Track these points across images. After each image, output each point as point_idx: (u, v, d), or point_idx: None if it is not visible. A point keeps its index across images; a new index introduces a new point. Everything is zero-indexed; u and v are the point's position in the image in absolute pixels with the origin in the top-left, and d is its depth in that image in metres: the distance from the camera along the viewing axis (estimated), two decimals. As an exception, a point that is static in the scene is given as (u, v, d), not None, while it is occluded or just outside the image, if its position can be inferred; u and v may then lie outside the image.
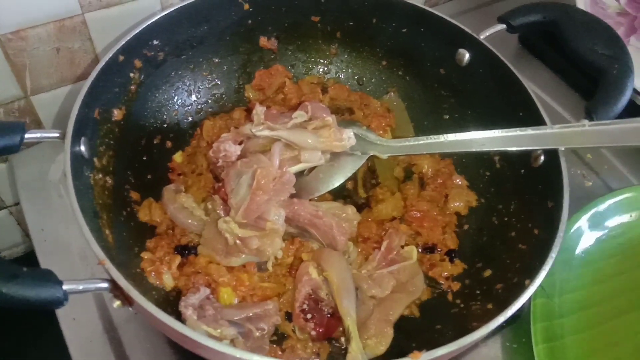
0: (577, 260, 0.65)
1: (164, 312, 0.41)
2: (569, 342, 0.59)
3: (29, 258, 0.95)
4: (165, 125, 0.68)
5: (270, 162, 0.57)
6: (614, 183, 0.82)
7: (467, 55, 0.68)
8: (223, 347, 0.39)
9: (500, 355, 0.64)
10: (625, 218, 0.70)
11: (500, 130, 0.58)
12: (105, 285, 0.43)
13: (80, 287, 0.41)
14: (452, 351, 0.42)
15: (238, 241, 0.56)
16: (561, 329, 0.60)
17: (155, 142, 0.67)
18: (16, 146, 0.48)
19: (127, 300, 0.44)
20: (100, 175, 0.56)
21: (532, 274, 0.49)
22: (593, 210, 0.69)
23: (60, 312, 0.64)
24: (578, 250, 0.66)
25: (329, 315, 0.54)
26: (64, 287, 0.40)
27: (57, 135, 0.51)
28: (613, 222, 0.70)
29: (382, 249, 0.60)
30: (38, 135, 0.50)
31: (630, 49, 0.91)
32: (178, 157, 0.67)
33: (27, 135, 0.49)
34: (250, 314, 0.52)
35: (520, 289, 0.47)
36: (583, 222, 0.67)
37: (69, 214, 0.71)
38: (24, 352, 0.89)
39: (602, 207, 0.70)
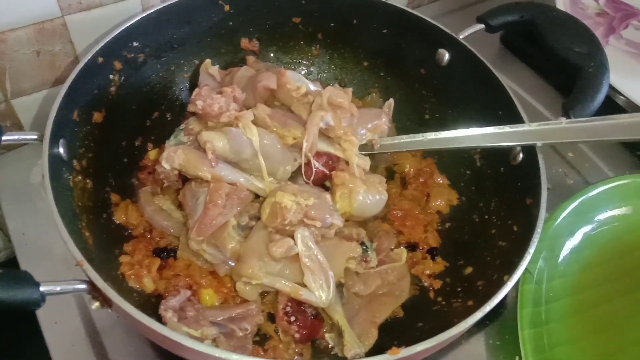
0: (564, 249, 0.67)
1: (142, 313, 0.40)
2: (554, 328, 0.60)
3: (13, 264, 0.95)
4: (146, 126, 0.68)
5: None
6: (595, 180, 0.83)
7: (447, 55, 0.69)
8: (203, 347, 0.39)
9: (484, 352, 0.64)
10: (611, 209, 0.72)
11: (479, 128, 0.59)
12: (83, 286, 0.43)
13: (58, 289, 0.41)
14: (430, 347, 0.42)
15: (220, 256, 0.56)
16: (547, 315, 0.61)
17: (136, 144, 0.67)
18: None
19: (106, 301, 0.44)
20: (80, 177, 0.56)
21: (510, 270, 0.49)
22: (579, 201, 0.70)
23: (41, 316, 0.63)
24: (565, 240, 0.67)
25: (312, 317, 0.54)
26: (41, 288, 0.40)
27: (35, 137, 0.51)
28: (599, 213, 0.71)
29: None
30: (15, 137, 0.50)
31: (609, 49, 0.93)
32: (152, 153, 0.67)
33: (4, 137, 0.49)
34: (233, 315, 0.52)
35: (500, 285, 0.48)
36: (569, 212, 0.68)
37: (51, 217, 0.71)
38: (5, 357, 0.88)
39: (588, 197, 0.71)
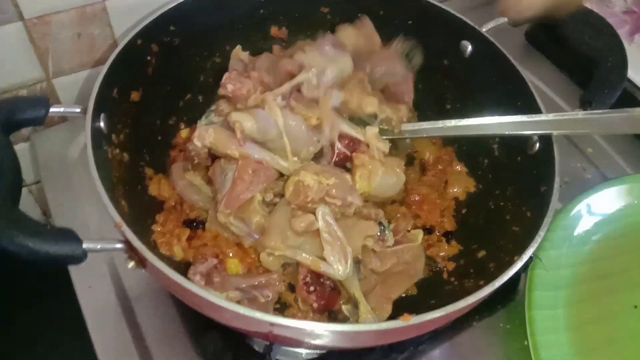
0: (576, 240, 0.69)
1: (175, 271, 0.44)
2: (561, 313, 0.62)
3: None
4: (179, 107, 0.71)
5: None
6: (613, 176, 0.84)
7: (469, 47, 0.71)
8: (233, 306, 0.43)
9: (495, 335, 0.67)
10: (625, 205, 0.73)
11: (497, 117, 0.61)
12: (121, 246, 0.46)
13: (98, 246, 0.45)
14: (439, 317, 0.45)
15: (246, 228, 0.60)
16: (555, 300, 0.63)
17: (170, 123, 0.71)
18: (41, 119, 0.52)
19: (140, 261, 0.47)
20: (118, 151, 0.60)
21: (521, 252, 0.51)
22: (595, 195, 0.72)
23: (76, 280, 0.68)
24: (577, 231, 0.70)
25: (330, 289, 0.57)
26: (84, 245, 0.44)
27: (78, 110, 0.55)
28: (613, 208, 0.73)
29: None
30: (61, 109, 0.54)
31: (633, 47, 0.94)
32: (184, 132, 0.70)
33: (51, 110, 0.53)
34: (256, 282, 0.56)
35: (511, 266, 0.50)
36: (583, 205, 0.71)
37: (87, 191, 0.75)
38: (41, 319, 0.94)
39: (603, 192, 0.73)
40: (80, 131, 0.82)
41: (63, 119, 0.85)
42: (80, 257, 0.43)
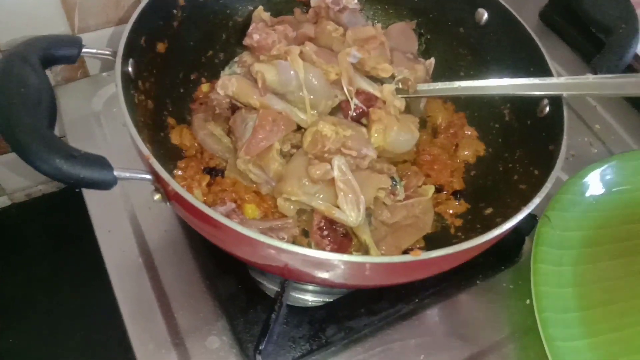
0: (586, 205, 0.71)
1: (200, 202, 0.46)
2: (565, 271, 0.64)
3: (67, 192, 1.04)
4: (201, 62, 0.74)
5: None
6: (617, 150, 0.87)
7: (485, 15, 0.73)
8: (254, 234, 0.45)
9: (498, 293, 0.70)
10: (634, 178, 0.75)
11: (510, 79, 0.63)
12: (148, 176, 0.49)
13: (127, 175, 0.47)
14: (445, 255, 0.47)
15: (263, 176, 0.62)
16: (560, 259, 0.65)
17: (191, 77, 0.73)
18: (74, 57, 0.54)
19: (167, 194, 0.50)
20: (143, 97, 0.62)
21: (528, 203, 0.53)
22: (605, 166, 0.74)
23: (97, 225, 0.71)
24: (587, 196, 0.71)
25: (342, 235, 0.60)
26: (115, 172, 0.46)
27: (108, 52, 0.57)
28: (622, 179, 0.75)
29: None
30: (93, 50, 0.56)
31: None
32: (205, 86, 0.72)
33: (83, 50, 0.55)
34: (272, 225, 0.58)
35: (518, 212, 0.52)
36: (596, 174, 0.73)
37: (109, 143, 0.78)
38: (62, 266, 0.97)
39: (614, 164, 0.75)
40: (102, 86, 0.85)
41: (84, 74, 0.88)
42: (110, 183, 0.46)
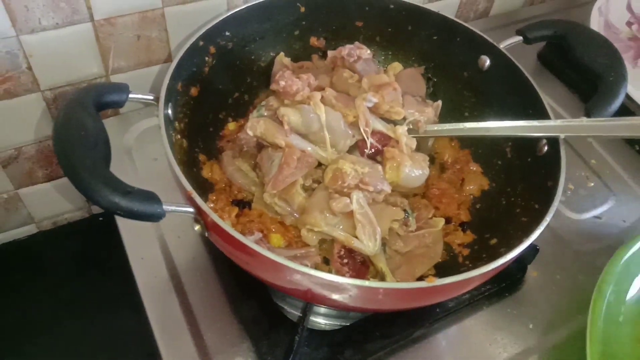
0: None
1: (237, 232, 0.52)
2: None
3: (92, 220, 1.09)
4: (228, 104, 0.81)
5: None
6: (614, 185, 0.93)
7: (488, 61, 0.80)
8: (288, 262, 0.50)
9: (501, 318, 0.75)
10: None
11: (511, 121, 0.70)
12: (191, 209, 0.55)
13: (173, 208, 0.53)
14: (456, 281, 0.52)
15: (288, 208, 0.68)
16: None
17: (220, 117, 0.79)
18: (122, 102, 0.61)
19: (206, 224, 0.56)
20: (179, 137, 0.69)
21: (530, 235, 0.59)
22: None
23: (130, 252, 0.76)
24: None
25: (360, 263, 0.65)
26: (164, 206, 0.52)
27: (151, 97, 0.64)
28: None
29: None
30: (139, 96, 0.63)
31: (637, 70, 1.03)
32: (232, 125, 0.79)
33: (130, 95, 0.62)
34: (297, 254, 0.64)
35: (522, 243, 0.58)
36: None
37: (140, 177, 0.84)
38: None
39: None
40: (132, 123, 0.91)
41: (115, 112, 0.95)
42: (160, 215, 0.52)
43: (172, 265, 0.75)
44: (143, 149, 0.88)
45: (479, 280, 0.57)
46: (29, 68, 0.81)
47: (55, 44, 0.80)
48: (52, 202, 1.04)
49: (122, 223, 0.80)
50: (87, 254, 1.12)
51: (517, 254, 0.57)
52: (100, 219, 1.14)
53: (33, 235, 1.08)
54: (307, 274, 0.51)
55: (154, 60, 0.92)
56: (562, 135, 0.66)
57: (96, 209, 1.10)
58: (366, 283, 0.51)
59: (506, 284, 0.76)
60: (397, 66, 0.85)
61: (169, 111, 0.65)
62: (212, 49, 0.75)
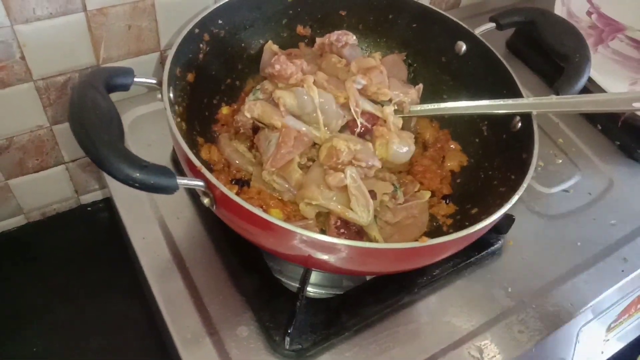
0: None
1: (244, 201, 0.56)
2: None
3: (80, 210, 1.11)
4: (221, 89, 0.84)
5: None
6: (579, 162, 1.00)
7: (464, 47, 0.85)
8: (295, 228, 0.55)
9: (480, 281, 0.81)
10: None
11: (488, 100, 0.76)
12: (202, 183, 0.59)
13: (185, 182, 0.57)
14: (445, 241, 0.58)
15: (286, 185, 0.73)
16: None
17: (214, 102, 0.83)
18: (128, 85, 0.64)
19: (214, 197, 0.60)
20: (179, 120, 0.72)
21: (508, 201, 0.65)
22: None
23: (131, 233, 0.79)
24: None
25: (355, 232, 0.70)
26: (177, 179, 0.56)
27: (154, 81, 0.67)
28: None
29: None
30: (143, 80, 0.66)
31: (597, 56, 1.11)
32: (225, 109, 0.83)
33: (135, 79, 0.65)
34: (296, 226, 0.68)
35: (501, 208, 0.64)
36: None
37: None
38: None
39: None
40: (125, 110, 0.94)
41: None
42: (174, 188, 0.55)
43: (173, 244, 0.79)
44: (137, 136, 0.91)
45: (464, 241, 0.63)
46: (22, 57, 0.83)
47: (48, 33, 0.82)
48: (42, 193, 1.05)
49: (122, 206, 0.82)
50: (77, 244, 1.13)
51: (498, 217, 0.63)
52: (89, 209, 1.15)
53: (22, 226, 1.09)
54: (309, 237, 0.56)
55: (143, 50, 0.94)
56: (534, 112, 0.72)
57: (85, 199, 1.12)
58: (364, 244, 0.56)
59: (486, 252, 0.82)
60: (377, 56, 0.90)
61: (171, 94, 0.68)
62: (207, 37, 0.79)
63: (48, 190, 1.05)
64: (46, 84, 0.88)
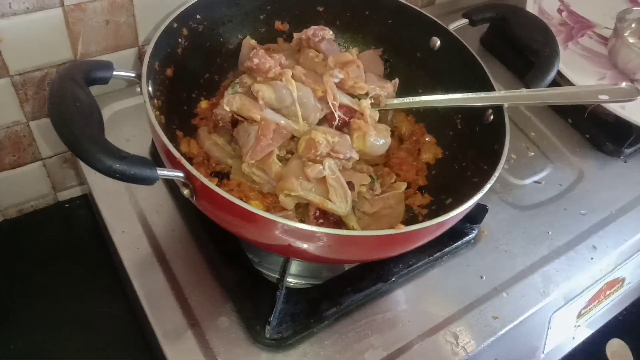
0: None
1: (224, 191, 0.57)
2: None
3: (58, 207, 1.10)
4: (200, 83, 0.85)
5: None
6: (551, 154, 1.04)
7: (438, 42, 0.88)
8: (276, 217, 0.56)
9: (458, 271, 0.83)
10: None
11: (462, 94, 0.78)
12: (181, 174, 0.60)
13: (165, 172, 0.58)
14: (420, 228, 0.60)
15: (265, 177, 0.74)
16: None
17: (192, 96, 0.84)
18: (107, 78, 0.64)
19: (195, 188, 0.60)
20: (158, 113, 0.73)
21: (480, 189, 0.67)
22: None
23: (111, 227, 0.80)
24: None
25: (333, 222, 0.72)
26: (157, 170, 0.57)
27: (134, 75, 0.68)
28: None
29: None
30: (122, 73, 0.66)
31: (567, 52, 1.14)
32: (204, 103, 0.84)
33: (114, 73, 0.66)
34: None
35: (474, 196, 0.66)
36: None
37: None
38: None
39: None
40: (105, 105, 0.94)
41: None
42: (154, 179, 0.56)
43: (153, 237, 0.79)
44: (115, 131, 0.91)
45: (439, 228, 0.65)
46: (-2, 52, 0.82)
47: (25, 28, 0.82)
48: (18, 190, 1.04)
49: (101, 201, 0.83)
50: (55, 241, 1.12)
51: (470, 205, 0.65)
52: (67, 205, 1.15)
53: (-1, 224, 1.08)
54: (290, 226, 0.57)
55: (121, 45, 0.94)
56: (505, 104, 0.74)
57: (62, 196, 1.11)
58: (343, 232, 0.58)
59: (461, 241, 0.85)
60: (354, 52, 0.91)
61: (150, 88, 0.69)
62: (185, 31, 0.80)
63: (25, 186, 1.04)
64: (23, 80, 0.88)
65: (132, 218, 0.81)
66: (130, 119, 0.93)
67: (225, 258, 0.77)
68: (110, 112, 0.93)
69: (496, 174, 0.68)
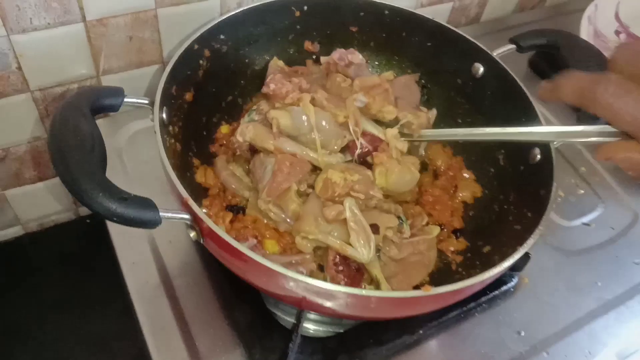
0: None
1: (233, 239, 0.52)
2: None
3: (79, 222, 1.08)
4: (222, 107, 0.80)
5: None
6: (602, 193, 0.94)
7: (481, 69, 0.80)
8: (284, 270, 0.50)
9: (493, 324, 0.75)
10: None
11: (504, 127, 0.70)
12: (187, 216, 0.55)
13: (169, 215, 0.53)
14: (452, 290, 0.53)
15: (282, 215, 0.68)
16: None
17: (213, 121, 0.79)
18: (117, 106, 0.60)
19: (202, 231, 0.55)
20: (173, 140, 0.68)
21: (523, 243, 0.60)
22: None
23: (121, 257, 0.75)
24: None
25: (355, 270, 0.65)
26: (160, 213, 0.52)
27: (146, 102, 0.63)
28: None
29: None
30: (133, 100, 0.62)
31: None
32: (224, 128, 0.79)
33: (125, 99, 0.61)
34: (292, 260, 0.64)
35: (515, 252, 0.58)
36: None
37: (131, 178, 0.83)
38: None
39: None
40: (122, 125, 0.90)
41: (105, 114, 0.94)
42: (156, 222, 0.51)
43: (164, 270, 0.75)
44: (134, 151, 0.87)
45: (473, 288, 0.57)
46: (19, 68, 0.80)
47: (46, 44, 0.79)
48: (39, 204, 1.03)
49: (113, 228, 0.79)
50: (74, 256, 1.11)
51: (511, 263, 0.57)
52: (88, 221, 1.13)
53: (19, 237, 1.07)
54: (302, 282, 0.51)
55: (145, 61, 0.91)
56: (555, 143, 0.66)
57: (84, 211, 1.09)
58: (363, 292, 0.51)
59: (499, 291, 0.77)
60: (389, 75, 0.85)
61: (164, 115, 0.64)
62: (207, 52, 0.75)
63: (46, 201, 1.03)
64: (43, 95, 0.85)
65: (144, 248, 0.76)
66: (151, 138, 0.88)
67: (238, 297, 0.71)
68: (130, 132, 0.89)
69: (541, 226, 0.60)
